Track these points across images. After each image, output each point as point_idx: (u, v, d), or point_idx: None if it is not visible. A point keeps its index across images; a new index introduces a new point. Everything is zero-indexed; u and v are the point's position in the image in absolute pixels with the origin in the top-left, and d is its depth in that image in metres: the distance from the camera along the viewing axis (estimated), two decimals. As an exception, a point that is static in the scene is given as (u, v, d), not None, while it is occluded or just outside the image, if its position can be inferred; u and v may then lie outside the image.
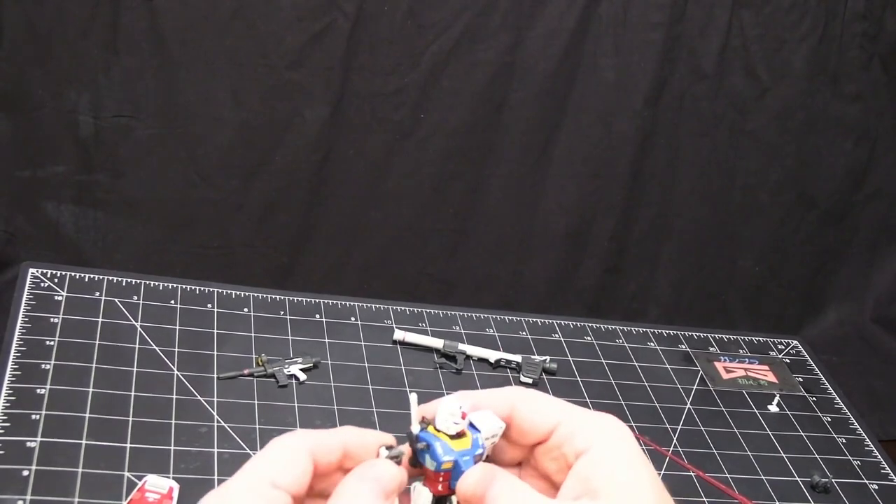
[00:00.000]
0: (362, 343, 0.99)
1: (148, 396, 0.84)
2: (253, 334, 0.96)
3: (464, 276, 1.19)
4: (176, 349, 0.91)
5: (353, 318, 1.02)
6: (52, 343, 0.86)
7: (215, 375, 0.89)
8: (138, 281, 0.97)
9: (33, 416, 0.78)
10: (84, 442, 0.78)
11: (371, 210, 1.14)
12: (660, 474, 0.44)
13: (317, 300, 1.03)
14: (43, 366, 0.83)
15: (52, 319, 0.89)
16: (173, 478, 0.77)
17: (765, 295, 1.29)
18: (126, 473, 0.76)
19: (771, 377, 1.11)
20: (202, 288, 1.00)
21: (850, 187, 1.28)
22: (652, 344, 1.11)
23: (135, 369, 0.87)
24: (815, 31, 1.18)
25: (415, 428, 0.45)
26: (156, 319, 0.93)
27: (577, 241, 1.21)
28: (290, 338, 0.97)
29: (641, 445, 0.45)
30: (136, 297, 0.95)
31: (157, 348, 0.90)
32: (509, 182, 1.17)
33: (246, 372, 0.90)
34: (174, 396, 0.85)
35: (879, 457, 1.01)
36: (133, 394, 0.84)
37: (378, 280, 1.16)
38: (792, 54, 1.19)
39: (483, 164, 1.15)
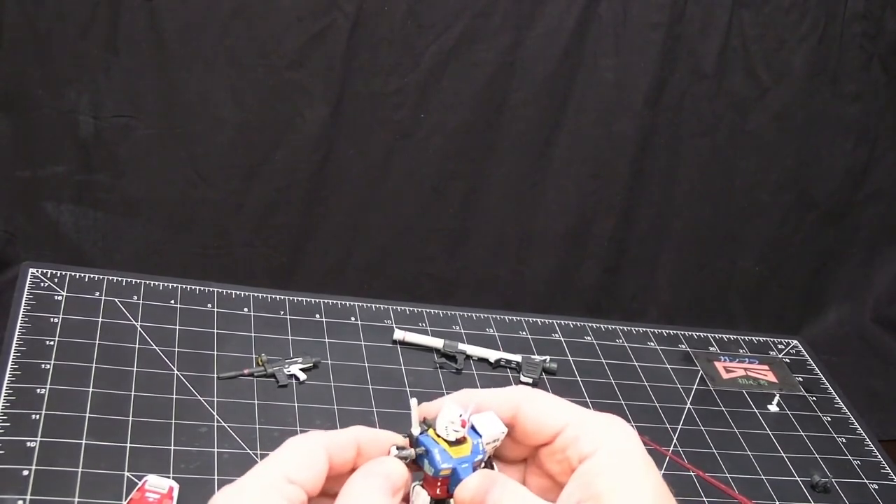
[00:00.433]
0: (362, 343, 0.99)
1: (148, 396, 0.84)
2: (253, 334, 0.96)
3: (464, 276, 1.19)
4: (176, 349, 0.91)
5: (353, 318, 1.02)
6: (52, 343, 0.86)
7: (215, 375, 0.89)
8: (138, 281, 0.97)
9: (33, 416, 0.78)
10: (84, 442, 0.78)
11: (371, 210, 1.14)
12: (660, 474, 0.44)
13: (317, 300, 1.03)
14: (43, 366, 0.83)
15: (52, 319, 0.89)
16: (173, 478, 0.77)
17: (765, 295, 1.29)
18: (126, 473, 0.76)
19: (771, 377, 1.11)
20: (202, 288, 0.99)
21: (850, 187, 1.28)
22: (652, 344, 1.11)
23: (135, 369, 0.87)
24: (815, 31, 1.18)
25: (415, 430, 0.45)
26: (156, 319, 0.93)
27: (577, 241, 1.21)
28: (290, 338, 0.97)
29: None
30: (136, 297, 0.95)
31: (157, 348, 0.90)
32: (509, 182, 1.17)
33: (246, 372, 0.90)
34: (174, 396, 0.85)
35: (879, 457, 1.01)
36: (133, 394, 0.84)
37: (378, 280, 1.16)
38: (792, 54, 1.19)
39: (483, 164, 1.15)
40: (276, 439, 0.84)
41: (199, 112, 1.05)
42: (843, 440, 1.03)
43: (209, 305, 0.98)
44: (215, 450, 0.81)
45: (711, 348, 1.13)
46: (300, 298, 1.02)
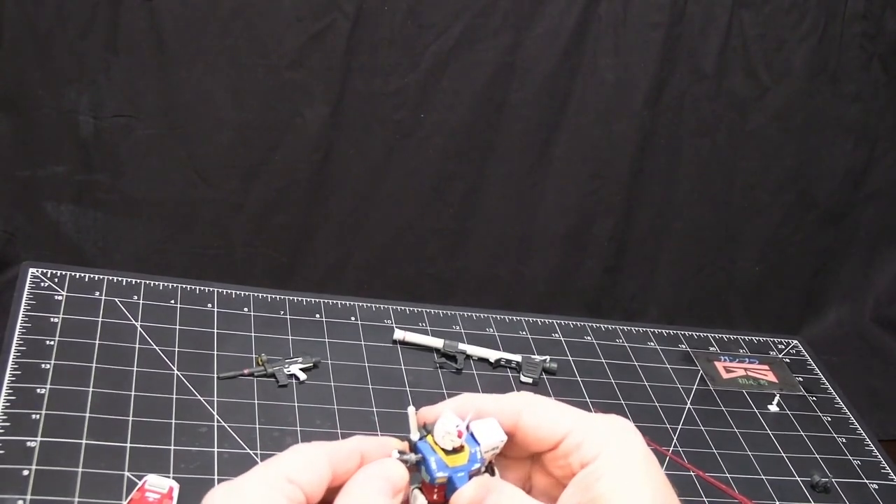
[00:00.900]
0: (362, 343, 0.99)
1: (148, 396, 0.84)
2: (253, 334, 0.96)
3: (464, 276, 1.19)
4: (176, 349, 0.91)
5: (353, 318, 1.02)
6: (52, 343, 0.86)
7: (215, 375, 0.89)
8: (138, 281, 0.97)
9: (33, 416, 0.78)
10: (84, 442, 0.78)
11: (371, 210, 1.14)
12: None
13: (317, 300, 1.03)
14: (43, 365, 0.83)
15: (52, 319, 0.89)
16: (173, 477, 0.77)
17: (765, 295, 1.29)
18: (126, 473, 0.76)
19: (771, 377, 1.11)
20: (202, 288, 1.00)
21: (850, 187, 1.28)
22: (652, 344, 1.11)
23: (135, 369, 0.87)
24: (815, 31, 1.18)
25: (414, 436, 0.45)
26: (156, 319, 0.93)
27: (577, 241, 1.20)
28: (290, 338, 0.97)
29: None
30: (136, 297, 0.95)
31: (157, 348, 0.90)
32: (509, 182, 1.17)
33: (246, 372, 0.90)
34: (174, 396, 0.85)
35: (879, 457, 1.01)
36: (133, 394, 0.84)
37: (378, 280, 1.16)
38: (792, 54, 1.19)
39: (483, 164, 1.15)
40: (276, 439, 0.84)
41: (199, 112, 1.05)
42: (843, 440, 1.03)
43: (209, 305, 0.98)
44: (215, 450, 0.81)
45: (711, 348, 1.13)
46: (300, 298, 1.02)
